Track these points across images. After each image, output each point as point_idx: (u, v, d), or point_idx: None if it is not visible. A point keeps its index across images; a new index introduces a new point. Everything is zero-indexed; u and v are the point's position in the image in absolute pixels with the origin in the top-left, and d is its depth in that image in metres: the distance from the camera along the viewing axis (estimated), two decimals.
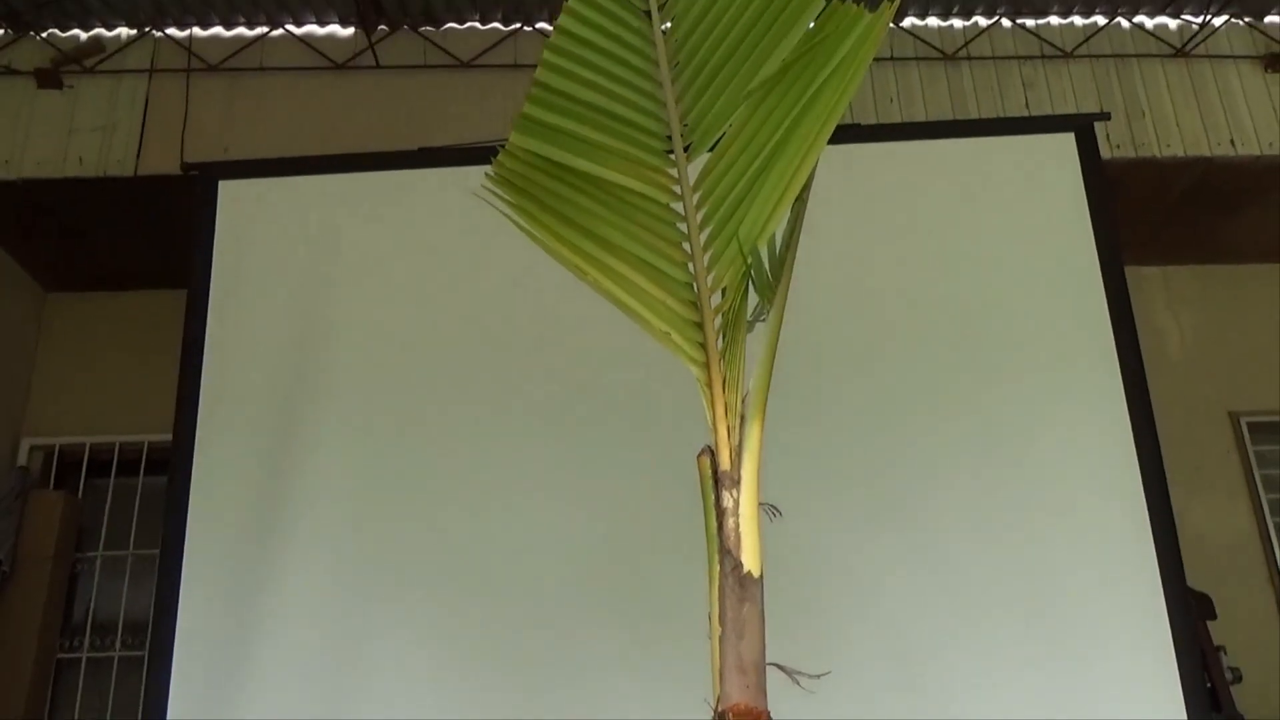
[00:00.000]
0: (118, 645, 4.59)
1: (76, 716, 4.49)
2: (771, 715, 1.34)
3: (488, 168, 1.51)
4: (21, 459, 4.72)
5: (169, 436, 3.26)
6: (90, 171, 4.28)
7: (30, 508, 4.55)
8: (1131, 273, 3.39)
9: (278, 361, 3.32)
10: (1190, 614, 2.88)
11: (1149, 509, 2.93)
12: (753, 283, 1.43)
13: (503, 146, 1.54)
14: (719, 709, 1.34)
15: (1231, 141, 4.46)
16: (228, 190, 3.55)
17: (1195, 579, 3.19)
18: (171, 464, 3.19)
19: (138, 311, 4.91)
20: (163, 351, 3.71)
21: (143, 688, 2.99)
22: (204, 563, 3.06)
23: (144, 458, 4.70)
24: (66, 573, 4.59)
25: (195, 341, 3.31)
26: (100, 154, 4.31)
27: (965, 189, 3.45)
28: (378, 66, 4.56)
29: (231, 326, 3.35)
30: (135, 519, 4.70)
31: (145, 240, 4.60)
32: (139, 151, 4.32)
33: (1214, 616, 3.97)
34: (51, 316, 5.00)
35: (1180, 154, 4.45)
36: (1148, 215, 4.81)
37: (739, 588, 1.36)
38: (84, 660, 4.57)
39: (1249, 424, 4.87)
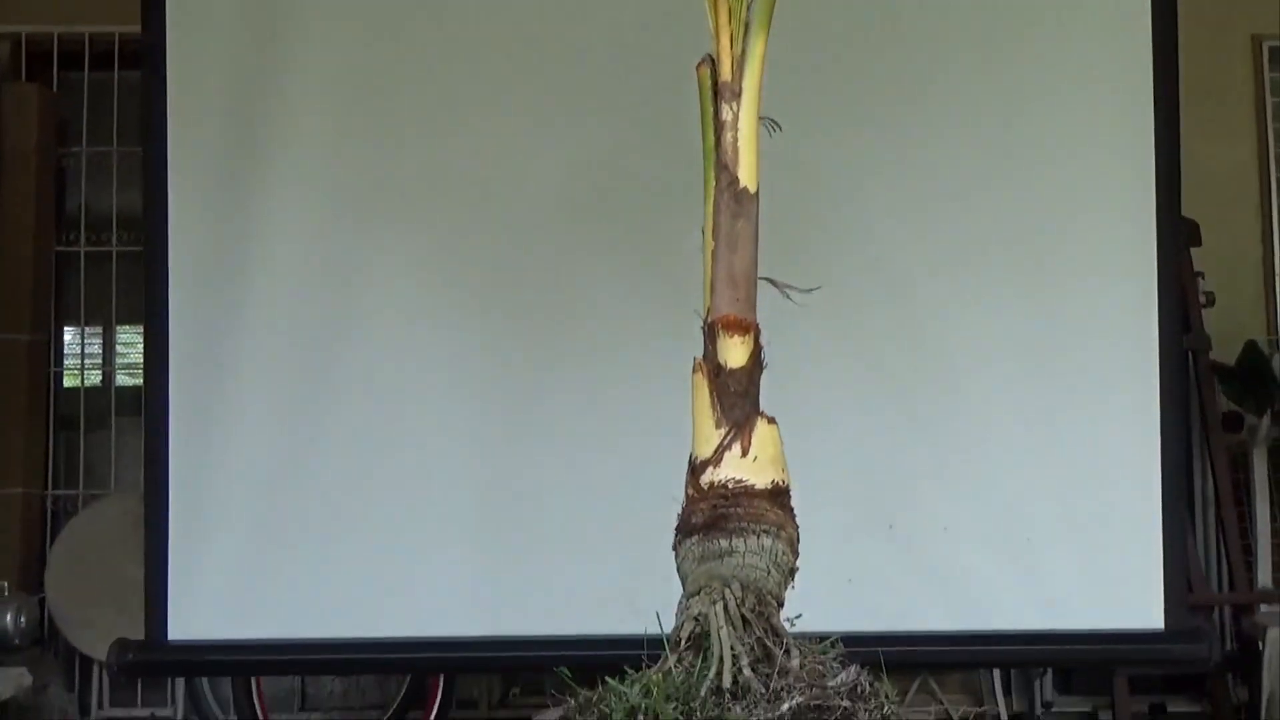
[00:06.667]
0: (114, 240, 4.64)
1: (83, 308, 4.63)
2: (760, 328, 1.36)
3: None
4: None
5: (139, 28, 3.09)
6: None
7: (5, 99, 4.43)
8: None
9: None
10: (1179, 241, 2.91)
11: (1155, 133, 2.85)
12: None
13: None
14: (708, 320, 1.36)
15: None
16: None
17: (1187, 206, 3.17)
18: (145, 57, 3.04)
19: None
20: None
21: (144, 283, 3.03)
22: (190, 162, 2.98)
23: (116, 50, 4.48)
24: (53, 166, 4.54)
25: None
26: None
27: None
28: None
29: None
30: (115, 115, 4.57)
31: None
32: None
33: (1198, 243, 4.01)
34: None
35: None
36: None
37: (734, 203, 1.33)
38: (83, 254, 4.63)
39: (1270, 49, 4.67)
